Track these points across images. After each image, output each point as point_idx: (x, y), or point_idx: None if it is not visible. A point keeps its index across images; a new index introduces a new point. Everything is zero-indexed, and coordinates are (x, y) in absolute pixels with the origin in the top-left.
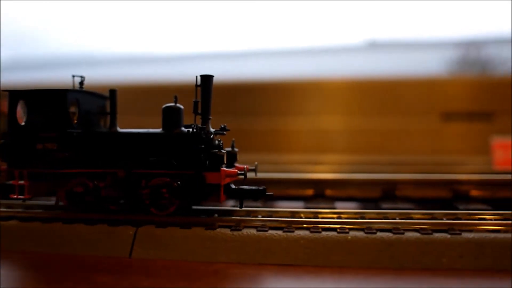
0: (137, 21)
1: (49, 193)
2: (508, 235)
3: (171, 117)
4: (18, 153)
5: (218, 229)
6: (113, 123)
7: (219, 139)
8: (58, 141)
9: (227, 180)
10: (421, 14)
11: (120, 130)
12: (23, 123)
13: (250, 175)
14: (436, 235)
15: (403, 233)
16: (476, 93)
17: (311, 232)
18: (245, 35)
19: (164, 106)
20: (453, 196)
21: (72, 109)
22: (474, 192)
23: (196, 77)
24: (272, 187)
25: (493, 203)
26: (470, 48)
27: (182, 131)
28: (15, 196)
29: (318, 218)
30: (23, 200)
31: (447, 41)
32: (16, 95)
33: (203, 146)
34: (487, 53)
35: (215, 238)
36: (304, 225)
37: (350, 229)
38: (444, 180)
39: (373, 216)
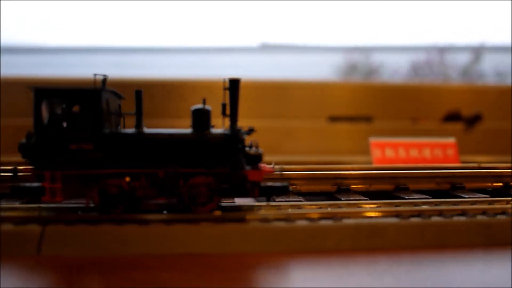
0: None
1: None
2: (380, 220)
3: (201, 118)
4: (48, 154)
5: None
6: (139, 124)
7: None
8: (94, 141)
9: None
10: (313, 20)
11: (147, 130)
12: (52, 123)
13: None
14: (322, 222)
15: (294, 222)
16: (359, 98)
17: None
18: (137, 30)
19: (193, 107)
20: (337, 189)
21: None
22: (354, 186)
23: (224, 80)
24: None
25: (370, 194)
26: (357, 54)
27: (221, 132)
28: (47, 199)
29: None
30: (54, 203)
31: (336, 47)
32: (43, 93)
33: (241, 146)
34: (373, 60)
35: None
36: None
37: (249, 219)
38: (329, 175)
39: (269, 208)
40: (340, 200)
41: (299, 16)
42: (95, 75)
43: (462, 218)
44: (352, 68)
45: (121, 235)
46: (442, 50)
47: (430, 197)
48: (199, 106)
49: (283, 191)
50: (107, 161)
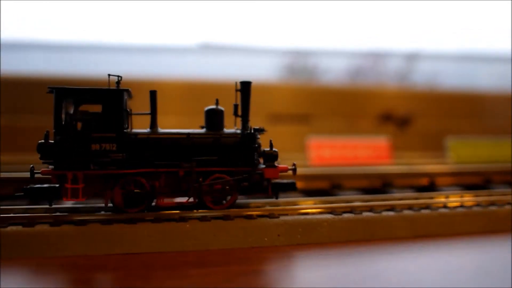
0: None
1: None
2: (316, 216)
3: (215, 118)
4: (70, 155)
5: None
6: (154, 123)
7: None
8: (117, 142)
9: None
10: (255, 22)
11: (163, 130)
12: (73, 123)
13: None
14: (260, 219)
15: (233, 219)
16: (299, 99)
17: None
18: (72, 27)
19: (207, 108)
20: None
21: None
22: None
23: (236, 82)
24: None
25: (308, 192)
26: (297, 57)
27: (237, 131)
28: (68, 199)
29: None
30: (75, 203)
31: (277, 49)
32: (64, 93)
33: (257, 145)
34: (312, 62)
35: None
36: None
37: (188, 218)
38: None
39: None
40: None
41: (241, 18)
42: (109, 75)
43: (391, 213)
44: (292, 70)
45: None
46: (379, 55)
47: (362, 194)
48: (213, 106)
49: (290, 188)
50: (129, 161)
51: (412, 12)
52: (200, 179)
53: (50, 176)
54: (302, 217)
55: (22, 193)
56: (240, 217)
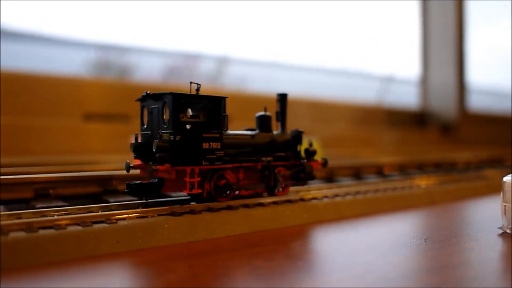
0: None
1: None
2: (156, 219)
3: (266, 122)
4: (188, 153)
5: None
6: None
7: None
8: (220, 141)
9: None
10: (66, 11)
11: (235, 132)
12: (188, 125)
13: None
14: (96, 226)
15: (65, 228)
16: (114, 96)
17: None
18: None
19: (258, 114)
20: (103, 190)
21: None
22: (122, 186)
23: (277, 94)
24: None
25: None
26: (109, 52)
27: (289, 133)
28: (187, 191)
29: None
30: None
31: (88, 42)
32: (180, 98)
33: (301, 144)
34: (125, 59)
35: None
36: None
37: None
38: (94, 177)
39: (30, 216)
40: (110, 202)
41: (50, 5)
42: (191, 83)
43: (229, 211)
44: (105, 66)
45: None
46: (193, 57)
47: None
48: (262, 113)
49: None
50: (225, 157)
51: (225, 17)
52: (276, 171)
53: (165, 172)
54: (142, 220)
55: (129, 190)
56: (72, 225)
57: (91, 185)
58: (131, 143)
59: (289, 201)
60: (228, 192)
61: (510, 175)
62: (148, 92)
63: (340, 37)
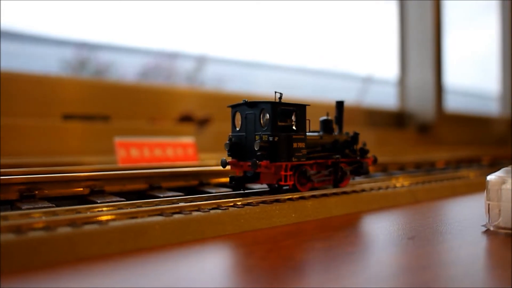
0: None
1: None
2: (146, 219)
3: (328, 125)
4: (282, 151)
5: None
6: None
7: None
8: (304, 141)
9: None
10: (39, 7)
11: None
12: (283, 127)
13: None
14: (86, 227)
15: (56, 229)
16: (93, 96)
17: None
18: None
19: (322, 118)
20: (89, 192)
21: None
22: (107, 187)
23: (336, 102)
24: None
25: (124, 195)
26: (83, 50)
27: (348, 134)
28: (282, 183)
29: None
30: (289, 186)
31: (63, 40)
32: (278, 106)
33: (357, 144)
34: (102, 58)
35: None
36: None
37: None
38: (80, 177)
39: (16, 217)
40: (97, 203)
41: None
42: (275, 92)
43: (218, 211)
44: (81, 64)
45: None
46: (171, 56)
47: (183, 194)
48: (325, 117)
49: (362, 172)
50: (306, 155)
51: (204, 15)
52: (342, 166)
53: (267, 167)
54: (133, 220)
55: (232, 182)
56: (62, 226)
57: (75, 186)
58: (226, 143)
59: (278, 201)
60: (308, 184)
61: (493, 173)
62: (246, 100)
63: (319, 37)
